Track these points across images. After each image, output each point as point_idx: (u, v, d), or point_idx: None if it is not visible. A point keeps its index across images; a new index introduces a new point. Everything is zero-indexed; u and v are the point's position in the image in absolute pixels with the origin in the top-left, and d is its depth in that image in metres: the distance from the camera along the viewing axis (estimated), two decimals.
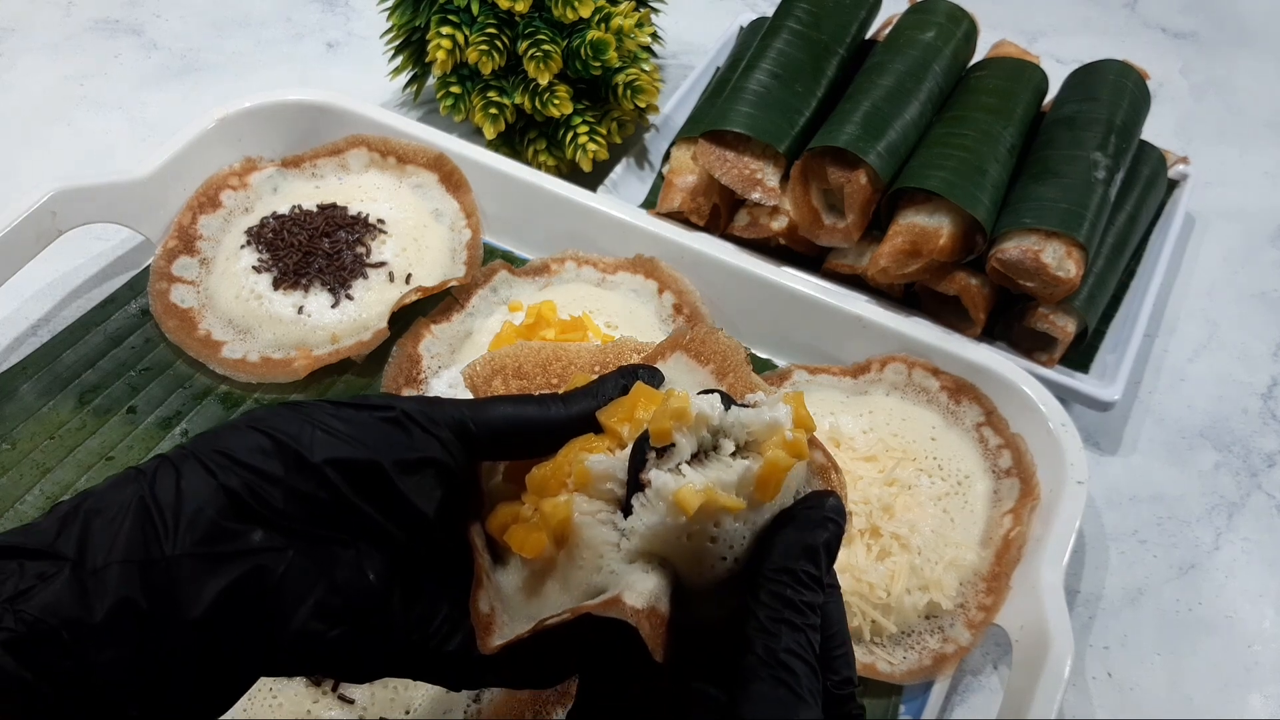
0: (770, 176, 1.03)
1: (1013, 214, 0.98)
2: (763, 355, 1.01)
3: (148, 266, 1.03)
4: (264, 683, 0.77)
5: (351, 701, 0.77)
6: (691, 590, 0.51)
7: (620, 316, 0.97)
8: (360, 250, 1.01)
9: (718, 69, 1.26)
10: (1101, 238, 1.01)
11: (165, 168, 1.04)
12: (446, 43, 1.10)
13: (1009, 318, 1.02)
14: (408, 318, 0.99)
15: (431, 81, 1.25)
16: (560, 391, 0.57)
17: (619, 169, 1.16)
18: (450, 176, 1.09)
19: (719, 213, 1.08)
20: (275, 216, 1.04)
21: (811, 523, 0.49)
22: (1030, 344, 1.01)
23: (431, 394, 0.93)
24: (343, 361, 0.96)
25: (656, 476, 0.48)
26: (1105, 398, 0.96)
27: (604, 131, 1.14)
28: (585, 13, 1.09)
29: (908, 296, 1.05)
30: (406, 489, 0.50)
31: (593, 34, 1.09)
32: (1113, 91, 1.07)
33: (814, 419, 0.88)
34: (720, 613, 0.51)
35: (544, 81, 1.08)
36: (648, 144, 1.19)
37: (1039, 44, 1.45)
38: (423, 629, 0.52)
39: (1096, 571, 0.92)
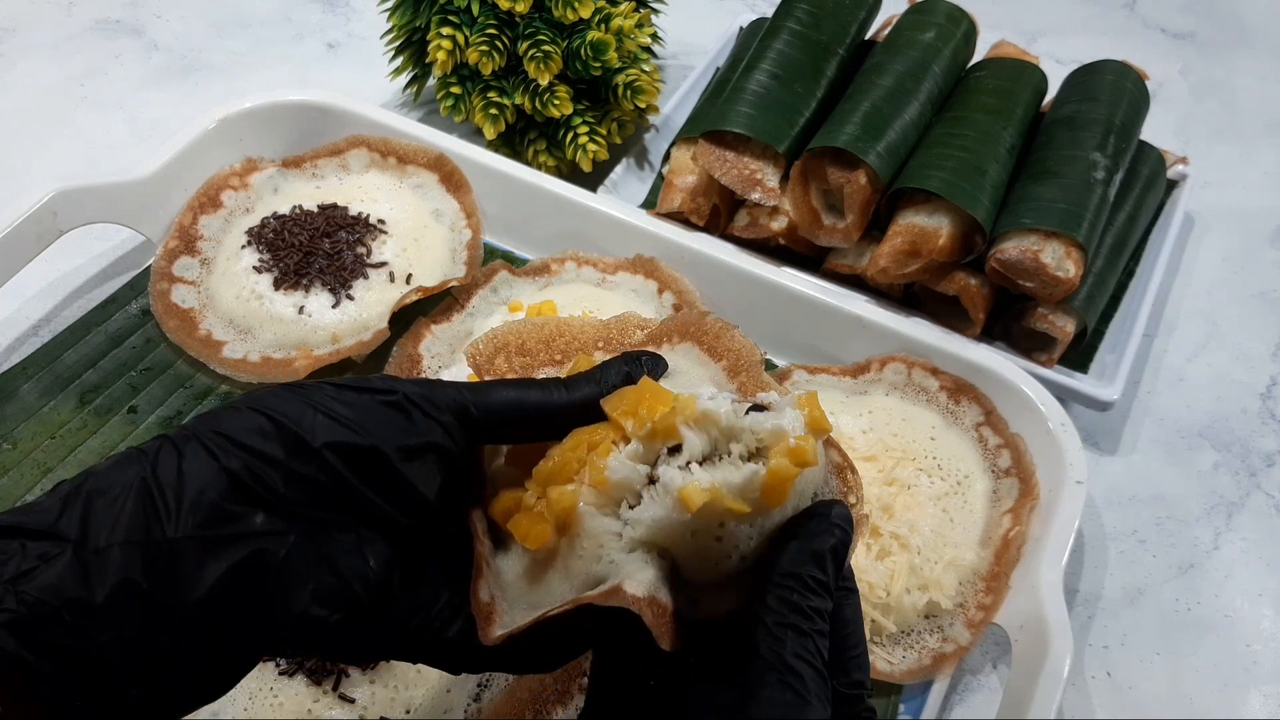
0: (770, 177, 1.03)
1: (1012, 214, 0.98)
2: (763, 355, 1.01)
3: (149, 267, 1.04)
4: (265, 682, 0.77)
5: (352, 701, 0.77)
6: (698, 583, 0.51)
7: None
8: (361, 250, 1.01)
9: (717, 69, 1.26)
10: (1101, 238, 1.01)
11: (166, 168, 1.04)
12: (447, 43, 1.10)
13: (1008, 318, 1.02)
14: (408, 318, 0.99)
15: (432, 82, 1.25)
16: (564, 370, 0.57)
17: (619, 169, 1.16)
18: (451, 177, 1.09)
19: (719, 213, 1.08)
20: (276, 217, 1.04)
21: (819, 529, 0.49)
22: (1029, 344, 1.01)
23: None
24: (343, 361, 0.96)
25: (664, 472, 0.49)
26: (1104, 397, 0.96)
27: (604, 132, 1.14)
28: (585, 13, 1.09)
29: (907, 297, 1.05)
30: (407, 473, 0.50)
31: (593, 34, 1.09)
32: (1112, 92, 1.07)
33: None
34: (728, 606, 0.51)
35: (544, 82, 1.08)
36: (648, 144, 1.20)
37: (1038, 44, 1.45)
38: (423, 615, 0.52)
39: (1096, 571, 0.92)
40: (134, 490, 0.45)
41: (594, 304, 0.97)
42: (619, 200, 1.09)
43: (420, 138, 1.10)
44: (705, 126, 1.06)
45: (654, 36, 1.26)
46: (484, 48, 1.08)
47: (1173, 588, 0.91)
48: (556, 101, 1.10)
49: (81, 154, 1.23)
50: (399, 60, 1.23)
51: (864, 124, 1.00)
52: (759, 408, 0.52)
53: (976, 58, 1.15)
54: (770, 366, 1.00)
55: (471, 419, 0.52)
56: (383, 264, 1.01)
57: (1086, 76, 1.10)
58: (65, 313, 1.03)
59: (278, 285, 0.98)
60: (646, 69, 1.16)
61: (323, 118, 1.12)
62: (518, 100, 1.11)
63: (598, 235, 1.04)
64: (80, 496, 0.45)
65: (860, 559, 0.82)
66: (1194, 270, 1.17)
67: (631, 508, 0.50)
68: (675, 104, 1.22)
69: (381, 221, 1.04)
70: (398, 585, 0.51)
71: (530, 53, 1.07)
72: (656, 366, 0.56)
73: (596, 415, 0.53)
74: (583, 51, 1.09)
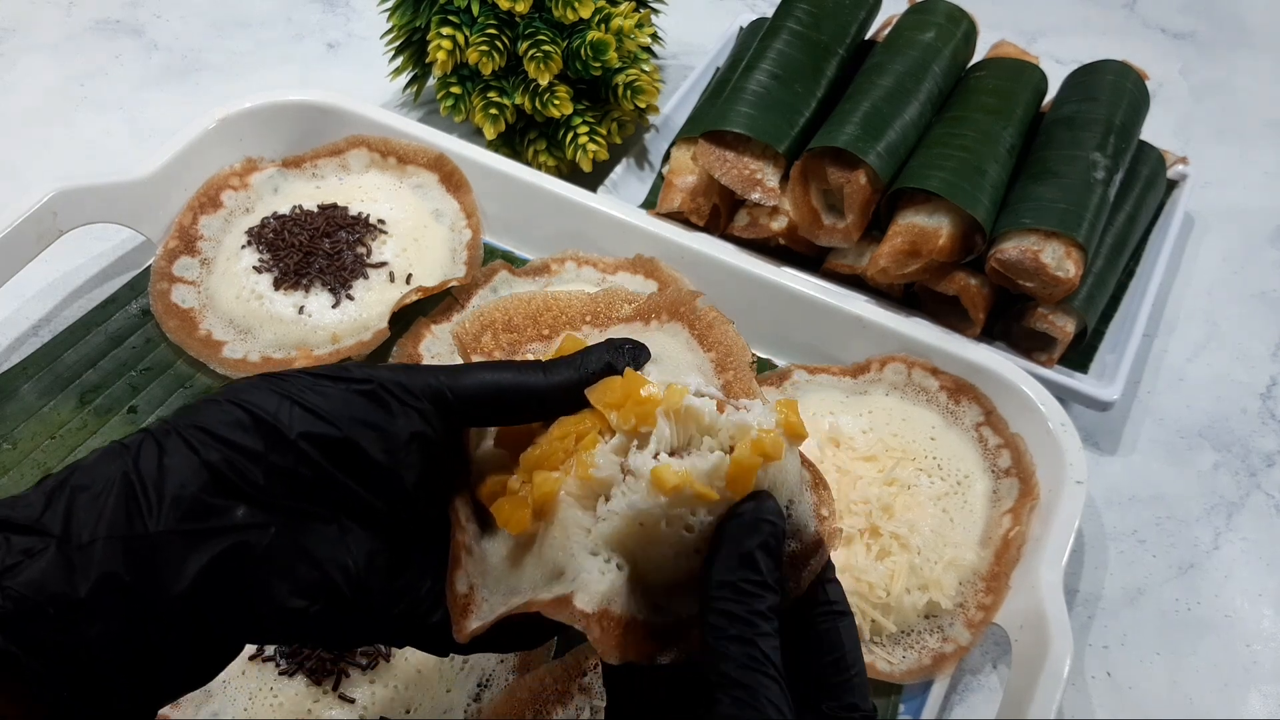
0: (770, 177, 1.03)
1: (1012, 214, 0.98)
2: (763, 355, 1.01)
3: (148, 267, 1.04)
4: (265, 682, 0.77)
5: (352, 701, 0.77)
6: (666, 586, 0.51)
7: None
8: (361, 250, 1.01)
9: (717, 69, 1.26)
10: (1101, 238, 1.01)
11: (166, 168, 1.04)
12: (447, 43, 1.10)
13: (1008, 318, 1.02)
14: (408, 318, 0.99)
15: (432, 82, 1.25)
16: (551, 346, 0.57)
17: (619, 169, 1.16)
18: (451, 177, 1.09)
19: (719, 213, 1.08)
20: (276, 217, 1.04)
21: (743, 530, 0.48)
22: (1029, 344, 1.01)
23: None
24: (343, 361, 0.95)
25: (635, 459, 0.49)
26: (1104, 397, 0.96)
27: (604, 132, 1.14)
28: (585, 13, 1.09)
29: (907, 297, 1.05)
30: (385, 462, 0.50)
31: (593, 34, 1.09)
32: (1112, 92, 1.07)
33: (814, 419, 0.89)
34: (693, 609, 0.50)
35: (544, 82, 1.08)
36: (648, 144, 1.20)
37: (1038, 44, 1.45)
38: (406, 602, 0.52)
39: (1096, 571, 0.92)
40: (116, 485, 0.45)
41: None
42: (619, 200, 1.09)
43: (420, 138, 1.10)
44: (705, 126, 1.06)
45: (654, 36, 1.26)
46: (484, 48, 1.08)
47: (1173, 588, 0.91)
48: (556, 101, 1.10)
49: (81, 154, 1.23)
50: (399, 60, 1.23)
51: (864, 124, 1.00)
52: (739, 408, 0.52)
53: (976, 58, 1.15)
54: (770, 366, 1.01)
55: (448, 403, 0.52)
56: (383, 264, 1.01)
57: (1086, 76, 1.10)
58: (65, 313, 1.03)
59: (278, 285, 0.98)
60: (646, 69, 1.16)
61: (323, 118, 1.12)
62: (518, 100, 1.11)
63: (598, 235, 1.04)
64: (64, 491, 0.45)
65: (860, 559, 0.82)
66: (1194, 270, 1.17)
67: (607, 500, 0.50)
68: (675, 104, 1.22)
69: (381, 221, 1.04)
70: (380, 574, 0.51)
71: (530, 53, 1.07)
72: (639, 356, 0.55)
73: (576, 399, 0.53)
74: (583, 51, 1.09)
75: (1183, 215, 1.14)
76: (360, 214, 1.05)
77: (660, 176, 1.17)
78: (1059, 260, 0.94)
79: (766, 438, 0.49)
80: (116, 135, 1.25)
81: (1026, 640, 0.78)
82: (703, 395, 0.52)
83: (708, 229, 1.07)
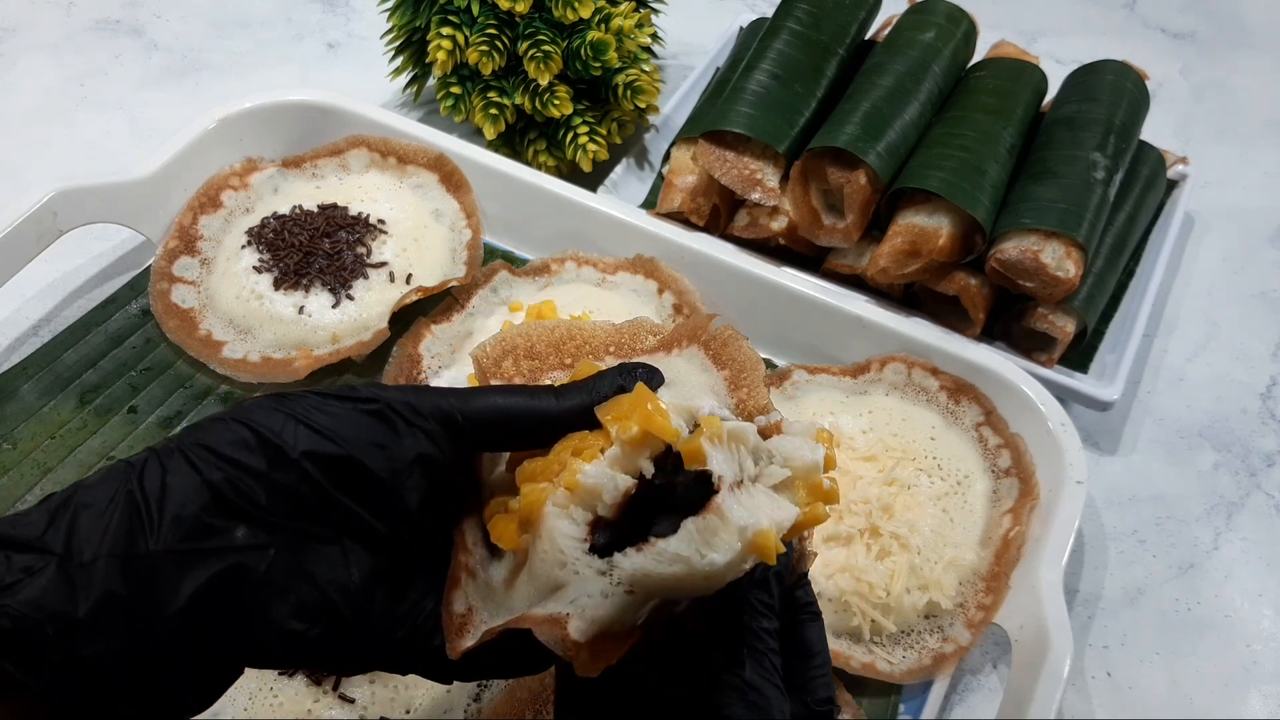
0: (770, 177, 1.03)
1: (1012, 214, 0.98)
2: (763, 355, 1.00)
3: (148, 267, 1.04)
4: (265, 682, 0.77)
5: (352, 701, 0.77)
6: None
7: (620, 316, 0.94)
8: (361, 250, 1.01)
9: (717, 69, 1.26)
10: (1101, 238, 1.01)
11: (166, 168, 1.04)
12: (447, 43, 1.10)
13: (1008, 318, 1.02)
14: (408, 318, 0.99)
15: (432, 82, 1.25)
16: (569, 376, 0.56)
17: (619, 169, 1.16)
18: (450, 177, 1.09)
19: (719, 213, 1.08)
20: (276, 217, 1.04)
21: None
22: (1029, 344, 1.01)
23: None
24: (343, 361, 0.96)
25: (733, 509, 0.45)
26: (1104, 397, 0.96)
27: (604, 132, 1.14)
28: (585, 13, 1.09)
29: (907, 297, 1.05)
30: (389, 482, 0.49)
31: (593, 34, 1.09)
32: (1112, 92, 1.07)
33: (814, 419, 0.89)
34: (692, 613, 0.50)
35: (544, 82, 1.08)
36: (648, 144, 1.20)
37: (1038, 44, 1.45)
38: (407, 626, 0.52)
39: (1096, 571, 0.92)
40: (120, 503, 0.45)
41: (594, 304, 0.97)
42: (619, 200, 1.09)
43: (420, 138, 1.10)
44: (705, 126, 1.06)
45: (654, 36, 1.26)
46: (484, 48, 1.08)
47: (1173, 588, 0.91)
48: (556, 101, 1.10)
49: (81, 154, 1.23)
50: (399, 60, 1.23)
51: (864, 124, 1.00)
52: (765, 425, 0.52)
53: (976, 58, 1.15)
54: (770, 366, 1.01)
55: (458, 426, 0.51)
56: (383, 264, 1.01)
57: (1086, 76, 1.10)
58: (65, 313, 1.03)
59: (278, 285, 0.98)
60: (646, 69, 1.16)
61: (323, 118, 1.12)
62: (518, 100, 1.11)
63: (598, 235, 1.04)
64: (68, 509, 0.45)
65: (860, 559, 0.82)
66: (1194, 270, 1.17)
67: (603, 518, 0.48)
68: (675, 104, 1.22)
69: (381, 221, 1.04)
70: (381, 596, 0.51)
71: (530, 53, 1.07)
72: (651, 378, 0.55)
73: (588, 424, 0.52)
74: (583, 51, 1.09)
75: (1183, 215, 1.14)
76: (360, 214, 1.05)
77: (660, 176, 1.17)
78: (1059, 260, 0.94)
79: (835, 488, 0.50)
80: (116, 135, 1.25)
81: (1026, 640, 0.78)
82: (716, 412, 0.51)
83: (708, 229, 1.07)
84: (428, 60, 1.15)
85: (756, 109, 1.04)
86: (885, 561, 0.82)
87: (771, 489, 0.49)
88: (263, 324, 0.97)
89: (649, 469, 0.49)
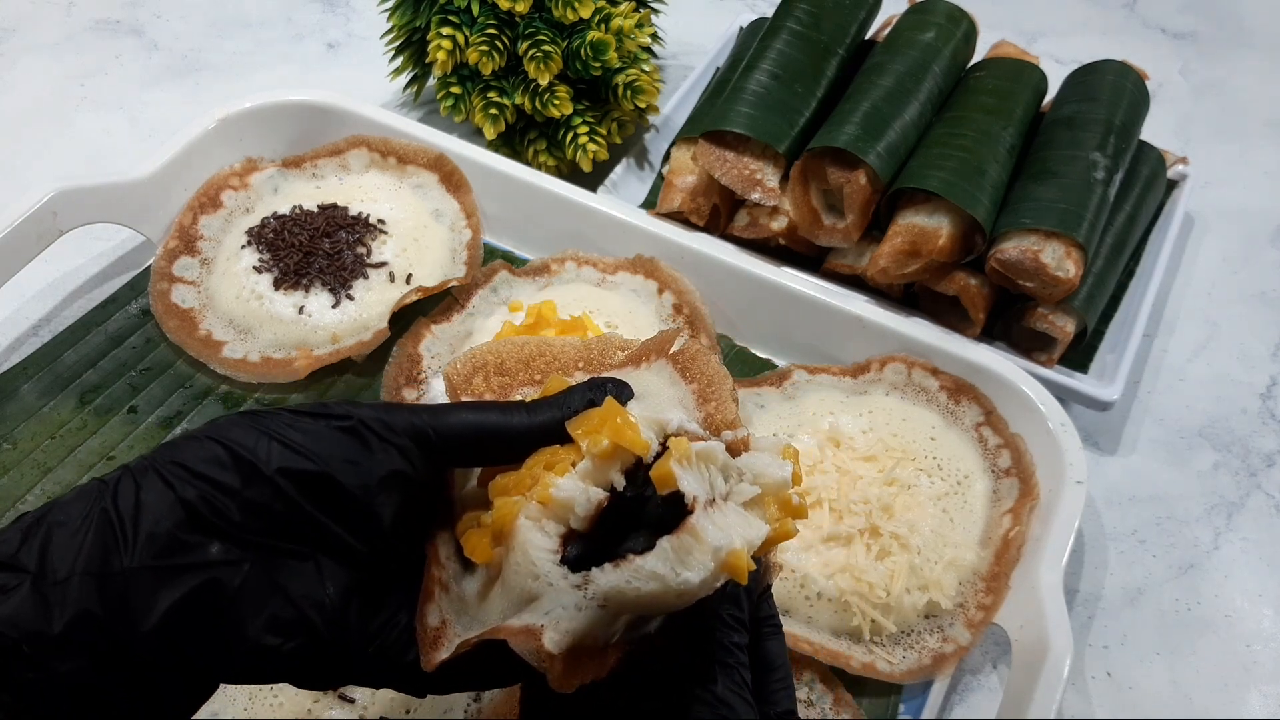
0: (770, 177, 1.03)
1: (1012, 214, 0.98)
2: (762, 355, 1.01)
3: (148, 266, 1.04)
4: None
5: (352, 701, 0.77)
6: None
7: (620, 316, 0.97)
8: (361, 250, 1.01)
9: (718, 69, 1.26)
10: (1101, 238, 1.01)
11: (166, 168, 1.04)
12: (447, 43, 1.10)
13: (1008, 318, 1.02)
14: (408, 318, 0.99)
15: (432, 82, 1.25)
16: (539, 392, 0.57)
17: (619, 169, 1.16)
18: (450, 177, 1.09)
19: (719, 213, 1.08)
20: (276, 217, 1.04)
21: None
22: (1030, 344, 1.01)
23: (432, 394, 0.94)
24: (343, 361, 0.96)
25: (707, 529, 0.46)
26: (1104, 397, 0.96)
27: (604, 132, 1.14)
28: (585, 13, 1.09)
29: (907, 297, 1.05)
30: (363, 498, 0.49)
31: (593, 34, 1.09)
32: (1112, 92, 1.07)
33: (814, 419, 0.89)
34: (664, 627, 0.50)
35: (544, 82, 1.08)
36: (648, 144, 1.20)
37: (1038, 44, 1.45)
38: (382, 640, 0.51)
39: (1096, 571, 0.92)
40: (94, 521, 0.45)
41: (594, 304, 0.97)
42: (619, 200, 1.09)
43: (420, 138, 1.10)
44: (705, 126, 1.06)
45: (654, 36, 1.26)
46: (484, 48, 1.08)
47: (1173, 588, 0.91)
48: (556, 101, 1.10)
49: (81, 154, 1.23)
50: (399, 60, 1.23)
51: (864, 124, 1.00)
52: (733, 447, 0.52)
53: (976, 58, 1.15)
54: (770, 366, 1.01)
55: (430, 442, 0.51)
56: (383, 264, 1.01)
57: (1086, 76, 1.10)
58: (65, 313, 1.03)
59: (278, 285, 0.98)
60: (646, 69, 1.16)
61: (323, 118, 1.12)
62: (518, 100, 1.11)
63: (597, 235, 1.04)
64: (41, 528, 0.45)
65: (860, 559, 0.82)
66: (1194, 270, 1.17)
67: (576, 531, 0.48)
68: (675, 104, 1.22)
69: (381, 221, 1.04)
70: (356, 611, 0.51)
71: (530, 53, 1.07)
72: (621, 393, 0.55)
73: (559, 439, 0.52)
74: (583, 51, 1.09)
75: (1183, 215, 1.14)
76: (360, 214, 1.05)
77: (660, 176, 1.17)
78: (1059, 260, 0.94)
79: (803, 504, 0.51)
80: (116, 135, 1.25)
81: (1026, 640, 0.78)
82: (685, 431, 0.52)
83: (708, 229, 1.07)
84: (428, 60, 1.15)
85: (756, 109, 1.04)
86: (885, 561, 0.82)
87: (742, 506, 0.50)
88: (263, 324, 0.97)
89: (620, 482, 0.49)
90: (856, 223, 1.00)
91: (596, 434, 0.50)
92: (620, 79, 1.13)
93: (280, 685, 0.76)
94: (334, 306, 0.98)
